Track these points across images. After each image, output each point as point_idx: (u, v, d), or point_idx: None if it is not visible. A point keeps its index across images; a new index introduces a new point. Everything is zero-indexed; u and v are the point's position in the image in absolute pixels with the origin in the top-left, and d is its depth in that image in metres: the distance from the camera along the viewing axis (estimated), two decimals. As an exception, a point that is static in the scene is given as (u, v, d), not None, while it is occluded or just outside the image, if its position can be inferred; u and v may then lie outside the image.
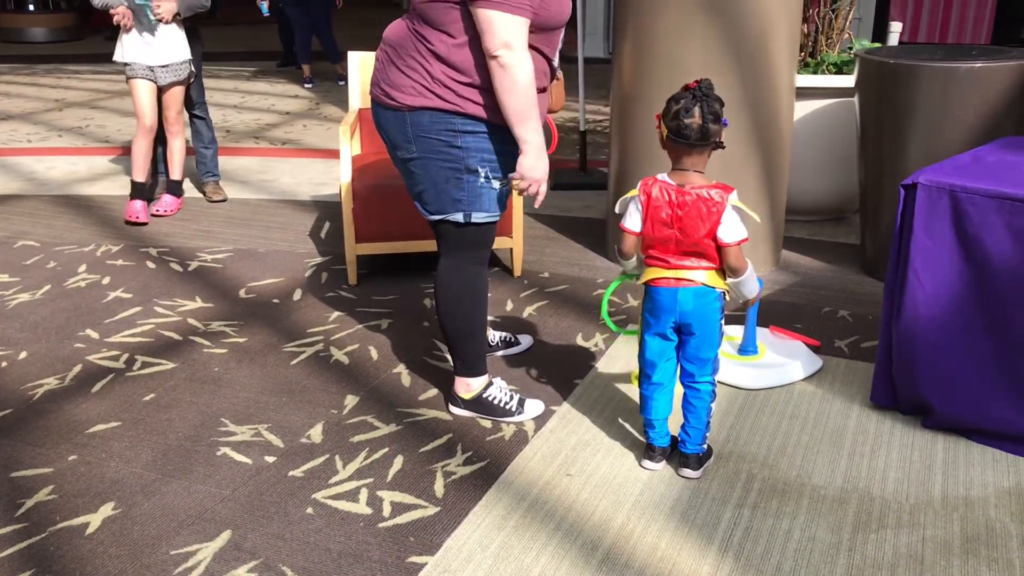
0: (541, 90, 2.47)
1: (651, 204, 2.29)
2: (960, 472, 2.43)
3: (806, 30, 4.57)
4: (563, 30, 2.47)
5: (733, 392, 2.87)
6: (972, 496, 2.33)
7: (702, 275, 2.30)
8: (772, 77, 3.62)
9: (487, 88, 2.38)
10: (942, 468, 2.45)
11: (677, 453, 2.48)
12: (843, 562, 2.09)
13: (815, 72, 4.47)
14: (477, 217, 2.53)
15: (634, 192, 2.34)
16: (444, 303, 2.64)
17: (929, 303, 2.54)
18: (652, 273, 2.36)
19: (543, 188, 2.46)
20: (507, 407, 2.72)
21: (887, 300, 2.67)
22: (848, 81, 4.23)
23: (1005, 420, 2.47)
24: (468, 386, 2.73)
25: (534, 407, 2.75)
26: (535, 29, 2.37)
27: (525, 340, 3.20)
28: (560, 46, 2.52)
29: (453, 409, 2.78)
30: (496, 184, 2.51)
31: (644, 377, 2.46)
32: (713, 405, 2.43)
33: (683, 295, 2.31)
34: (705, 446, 2.46)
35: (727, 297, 2.37)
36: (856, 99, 3.79)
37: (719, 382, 2.89)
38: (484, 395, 2.73)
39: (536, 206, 2.49)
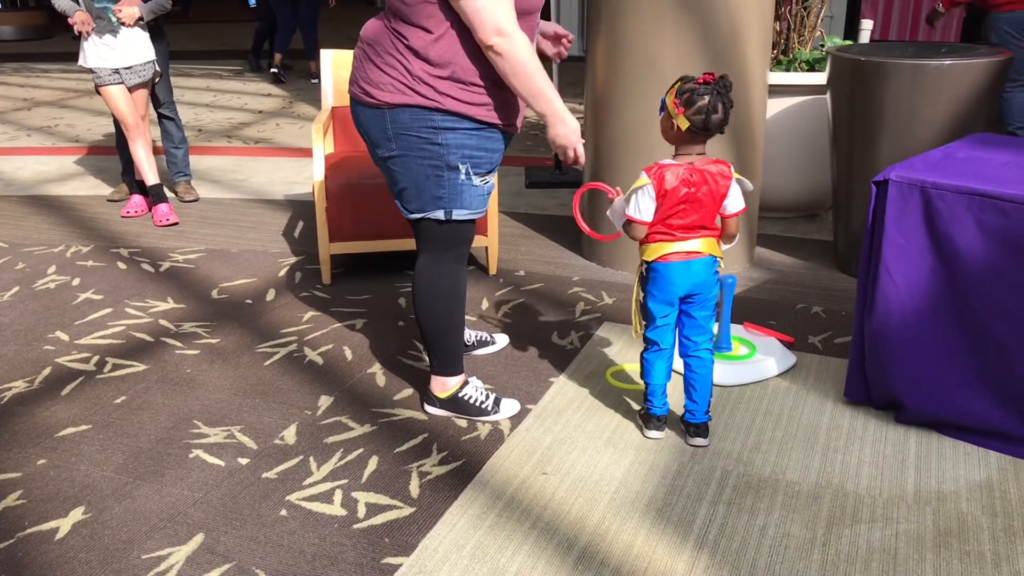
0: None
1: (664, 185, 2.39)
2: (932, 466, 2.45)
3: (778, 27, 4.59)
4: (538, 14, 2.47)
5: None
6: (944, 490, 2.35)
7: (705, 244, 2.45)
8: (745, 74, 3.64)
9: (467, 83, 2.37)
10: (915, 463, 2.47)
11: (683, 425, 2.61)
12: (817, 557, 2.10)
13: (787, 69, 4.50)
14: (458, 215, 2.51)
15: (642, 182, 2.39)
16: (422, 301, 2.62)
17: (901, 299, 2.56)
18: (660, 249, 2.45)
19: (579, 149, 2.46)
20: (483, 406, 2.72)
21: (859, 296, 2.68)
22: (820, 78, 4.25)
23: (976, 414, 2.49)
24: (444, 385, 2.72)
25: (510, 406, 2.75)
26: (522, 13, 2.37)
27: (501, 339, 3.20)
28: (537, 30, 2.51)
29: (428, 408, 2.76)
30: (477, 181, 2.50)
31: (652, 344, 2.55)
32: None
33: (696, 267, 2.44)
34: (710, 414, 2.58)
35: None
36: (828, 96, 3.81)
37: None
38: (460, 394, 2.72)
39: (580, 166, 2.49)
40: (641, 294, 2.53)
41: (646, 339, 2.56)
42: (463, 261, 2.62)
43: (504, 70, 2.32)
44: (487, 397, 2.74)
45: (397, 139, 2.44)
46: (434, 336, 2.65)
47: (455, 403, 2.72)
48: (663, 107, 2.40)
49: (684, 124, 2.34)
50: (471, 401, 2.72)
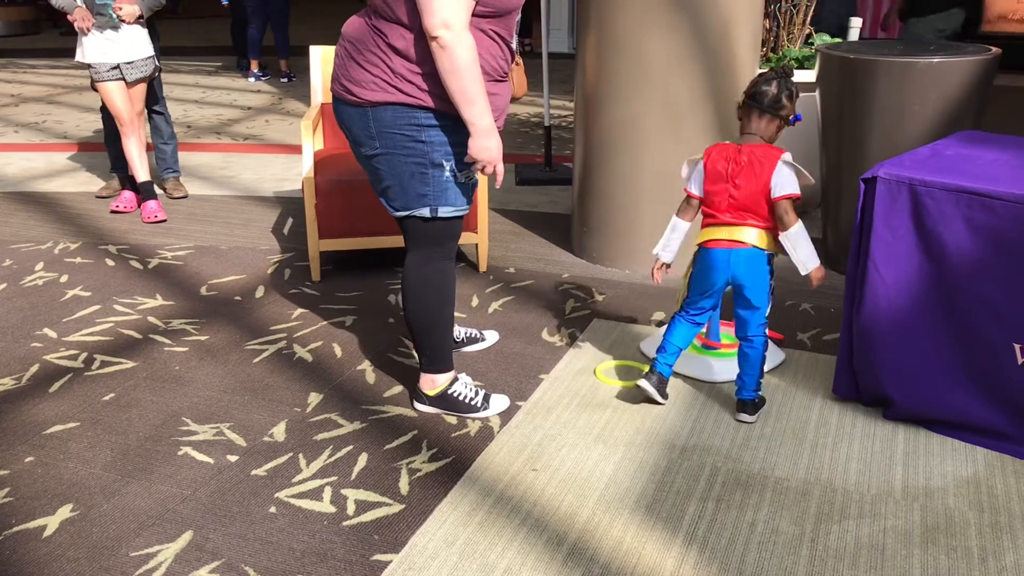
0: (503, 77, 2.47)
1: (710, 161, 2.57)
2: (920, 462, 2.46)
3: (768, 25, 4.60)
4: (519, 12, 2.44)
5: (697, 385, 2.89)
6: (932, 486, 2.36)
7: (753, 234, 2.53)
8: (734, 72, 3.64)
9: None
10: (903, 459, 2.48)
11: (735, 401, 2.73)
12: (806, 553, 2.11)
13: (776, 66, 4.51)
14: (444, 212, 2.50)
15: (698, 155, 2.61)
16: (411, 299, 2.61)
17: (889, 295, 2.57)
18: (707, 234, 2.59)
19: (499, 168, 2.42)
20: (472, 403, 2.71)
21: (848, 293, 2.69)
22: (809, 76, 4.26)
23: (963, 410, 2.50)
24: (433, 382, 2.72)
25: (499, 402, 2.75)
26: (491, 14, 2.35)
27: (490, 336, 3.20)
28: (516, 29, 2.49)
29: (418, 406, 2.76)
30: (461, 177, 2.49)
31: (683, 312, 2.70)
32: (767, 354, 2.66)
33: (735, 257, 2.54)
34: (759, 393, 2.67)
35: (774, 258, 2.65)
36: (817, 94, 3.82)
37: (685, 376, 2.92)
38: (449, 391, 2.72)
39: (497, 186, 2.46)
40: (691, 270, 2.67)
41: (680, 302, 2.71)
42: (451, 258, 2.62)
43: (444, 66, 2.26)
44: (476, 394, 2.74)
45: (380, 137, 2.42)
46: (423, 333, 2.65)
47: (444, 400, 2.72)
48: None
49: (741, 99, 2.55)
50: (460, 398, 2.71)
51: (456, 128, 2.41)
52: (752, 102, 2.53)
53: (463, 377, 2.78)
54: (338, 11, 16.53)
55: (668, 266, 2.76)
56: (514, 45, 2.52)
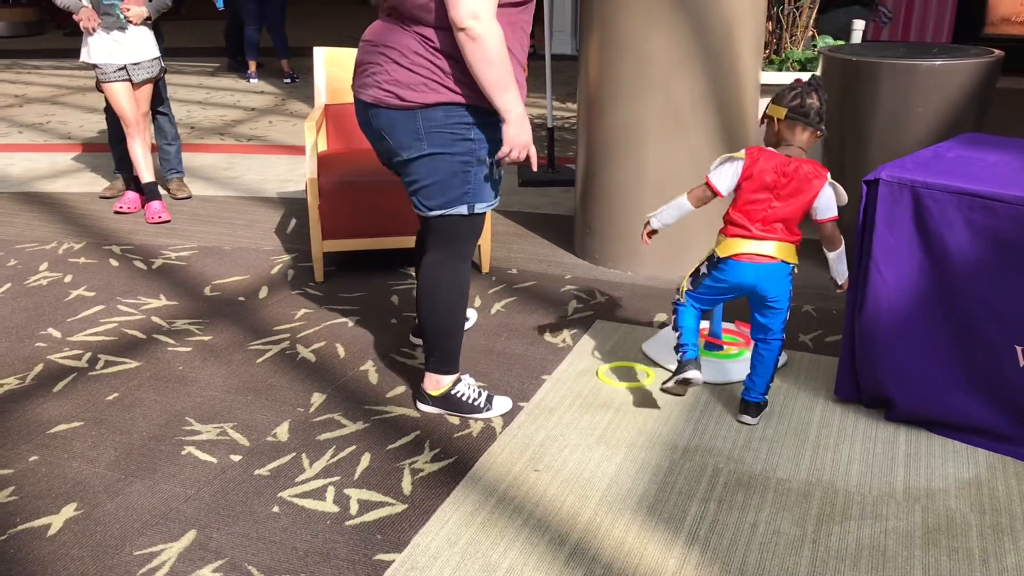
0: (524, 68, 2.52)
1: (755, 168, 2.47)
2: (922, 464, 2.47)
3: (771, 27, 4.61)
4: (531, 7, 2.49)
5: (699, 387, 2.89)
6: (933, 487, 2.36)
7: (781, 248, 2.50)
8: (737, 74, 3.65)
9: None
10: (904, 460, 2.49)
11: (737, 402, 2.72)
12: (807, 554, 2.11)
13: (780, 69, 4.51)
14: (479, 207, 2.55)
15: (737, 155, 2.51)
16: (426, 300, 2.62)
17: (891, 297, 2.57)
18: (733, 246, 2.52)
19: (532, 151, 2.48)
20: (475, 404, 2.72)
21: (850, 295, 2.70)
22: (812, 78, 4.27)
23: (965, 412, 2.51)
24: (438, 383, 2.72)
25: (502, 403, 2.76)
26: (520, 2, 2.40)
27: (471, 315, 3.27)
28: (529, 28, 2.54)
29: (421, 407, 2.77)
30: (501, 171, 2.57)
31: (687, 301, 2.64)
32: (780, 357, 2.65)
33: (764, 271, 2.50)
34: (765, 397, 2.66)
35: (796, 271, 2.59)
36: (820, 96, 3.82)
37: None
38: (452, 392, 2.72)
39: (533, 168, 2.51)
40: (704, 269, 2.60)
41: (684, 295, 2.66)
42: (469, 259, 2.64)
43: (475, 56, 2.28)
44: (479, 395, 2.74)
45: (429, 137, 2.45)
46: (435, 334, 2.66)
47: (448, 400, 2.73)
48: (764, 117, 2.54)
49: (781, 113, 2.47)
50: (463, 398, 2.72)
51: (496, 125, 2.46)
52: (796, 115, 2.45)
53: (466, 378, 2.79)
54: (335, 12, 16.55)
55: (655, 232, 2.71)
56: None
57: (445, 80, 2.39)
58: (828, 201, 2.49)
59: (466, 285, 2.65)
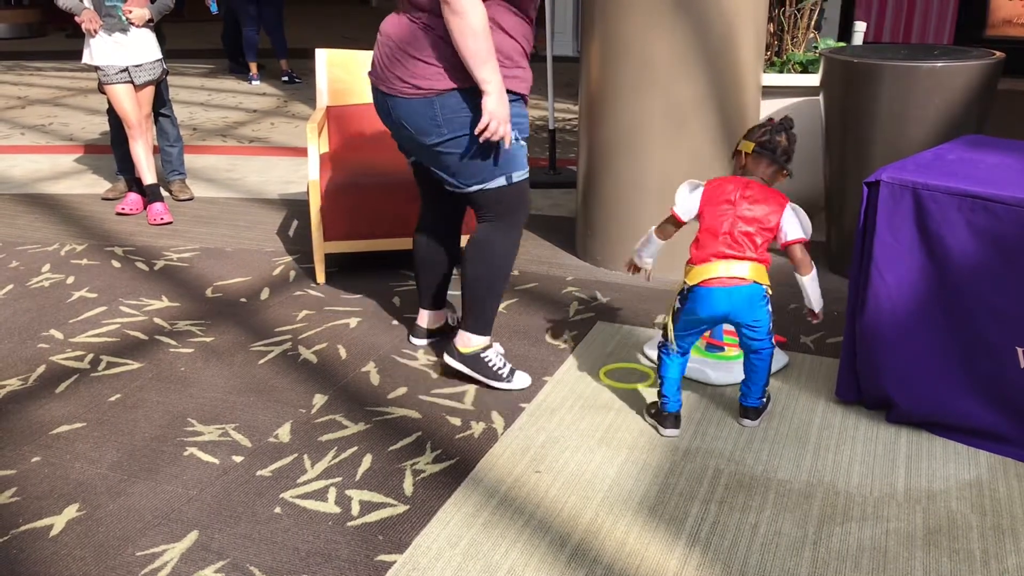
0: (532, 54, 2.69)
1: (714, 188, 2.50)
2: (923, 465, 2.47)
3: (772, 29, 4.61)
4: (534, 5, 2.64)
5: (700, 388, 2.90)
6: (934, 489, 2.37)
7: (751, 269, 2.46)
8: (739, 75, 3.65)
9: (504, 59, 2.55)
10: (905, 462, 2.49)
11: (738, 405, 2.71)
12: (808, 555, 2.11)
13: (781, 71, 4.52)
14: (516, 176, 2.70)
15: (700, 182, 2.56)
16: (471, 266, 2.76)
17: (891, 299, 2.58)
18: (701, 273, 2.48)
19: (506, 128, 2.55)
20: (498, 371, 2.84)
21: (851, 296, 2.70)
22: (813, 80, 4.27)
23: (966, 414, 2.51)
24: (469, 341, 2.84)
25: (522, 379, 2.87)
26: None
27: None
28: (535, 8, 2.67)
29: (448, 360, 2.87)
30: (523, 142, 2.68)
31: (672, 348, 2.58)
32: (772, 363, 2.67)
33: (737, 297, 2.46)
34: (764, 399, 2.66)
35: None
36: (821, 98, 3.83)
37: (687, 378, 2.93)
38: (481, 355, 2.84)
39: (506, 146, 2.60)
40: (677, 303, 2.55)
41: (673, 339, 2.59)
42: (520, 227, 2.78)
43: (457, 27, 2.42)
44: (504, 365, 2.86)
45: (448, 122, 2.60)
46: (475, 299, 2.79)
47: (475, 361, 2.84)
48: (735, 153, 2.58)
49: (749, 147, 2.51)
50: (489, 364, 2.84)
51: (513, 101, 2.62)
52: (763, 150, 2.50)
53: (496, 346, 2.90)
54: (335, 12, 16.56)
55: (639, 269, 2.79)
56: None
57: (457, 66, 2.52)
58: (792, 222, 2.49)
59: (511, 256, 2.78)
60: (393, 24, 2.63)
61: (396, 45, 2.60)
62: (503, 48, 2.56)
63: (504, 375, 2.84)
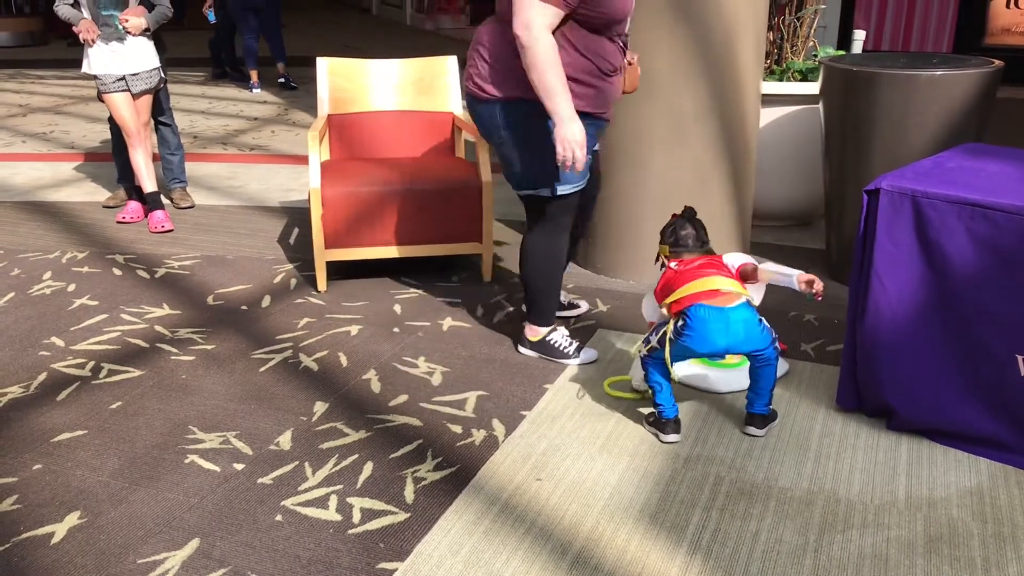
0: (615, 71, 2.80)
1: (669, 272, 2.62)
2: (924, 473, 2.47)
3: (772, 37, 4.62)
4: (630, 19, 2.81)
5: (700, 396, 2.90)
6: (935, 496, 2.37)
7: (732, 284, 2.52)
8: (739, 83, 3.66)
9: (572, 79, 2.67)
10: (906, 469, 2.49)
11: (740, 412, 2.75)
12: (809, 563, 2.11)
13: (781, 79, 4.53)
14: (561, 190, 2.87)
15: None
16: (527, 265, 3.02)
17: (892, 306, 2.58)
18: (688, 290, 2.52)
19: (579, 153, 2.65)
20: (565, 350, 3.10)
21: (851, 304, 2.70)
22: (813, 88, 4.28)
23: (966, 422, 2.51)
24: (535, 331, 3.12)
25: (588, 354, 3.11)
26: (602, 23, 2.65)
27: (583, 304, 3.55)
28: (628, 32, 2.82)
29: (521, 350, 3.18)
30: (588, 156, 2.86)
31: (655, 355, 2.58)
32: (778, 370, 2.71)
33: (734, 320, 2.47)
34: (770, 408, 2.66)
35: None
36: (821, 106, 3.84)
37: (688, 385, 2.93)
38: (548, 339, 3.11)
39: (578, 170, 2.69)
40: (673, 338, 2.53)
41: (652, 351, 2.59)
42: (566, 230, 2.99)
43: (526, 62, 2.60)
44: (570, 344, 3.11)
45: (509, 128, 2.79)
46: (535, 294, 3.06)
47: (544, 346, 3.12)
48: (657, 258, 2.73)
49: (666, 251, 2.68)
50: (556, 345, 3.10)
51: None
52: (678, 247, 2.64)
53: (561, 329, 3.16)
54: (335, 20, 16.60)
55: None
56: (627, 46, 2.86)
57: (524, 78, 2.66)
58: (732, 256, 2.64)
59: (561, 254, 3.01)
60: (481, 30, 2.82)
61: (476, 50, 2.80)
62: (574, 66, 2.68)
63: (570, 352, 3.09)
